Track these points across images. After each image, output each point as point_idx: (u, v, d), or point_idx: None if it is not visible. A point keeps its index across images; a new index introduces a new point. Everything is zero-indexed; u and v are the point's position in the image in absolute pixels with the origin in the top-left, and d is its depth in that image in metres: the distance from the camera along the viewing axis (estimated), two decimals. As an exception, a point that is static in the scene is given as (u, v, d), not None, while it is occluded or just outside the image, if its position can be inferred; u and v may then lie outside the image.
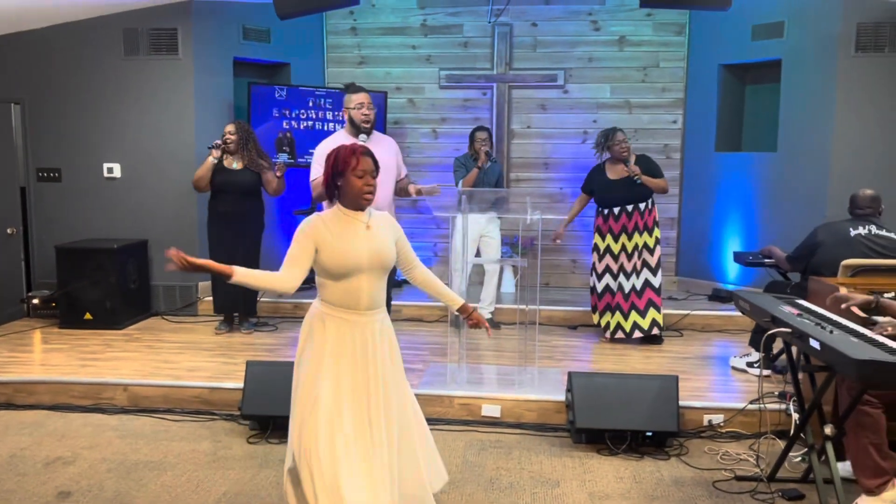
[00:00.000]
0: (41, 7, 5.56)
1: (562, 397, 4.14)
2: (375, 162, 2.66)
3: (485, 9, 6.76)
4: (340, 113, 6.50)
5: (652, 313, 5.22)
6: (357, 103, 4.22)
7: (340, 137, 4.35)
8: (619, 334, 5.26)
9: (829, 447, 3.09)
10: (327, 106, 6.44)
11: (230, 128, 5.39)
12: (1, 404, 4.39)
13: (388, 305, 4.64)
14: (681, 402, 3.86)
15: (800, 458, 3.57)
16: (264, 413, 3.92)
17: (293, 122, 6.36)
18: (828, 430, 3.12)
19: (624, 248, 5.22)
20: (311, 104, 6.39)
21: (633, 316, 5.21)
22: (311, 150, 6.42)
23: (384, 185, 4.35)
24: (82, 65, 6.05)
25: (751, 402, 4.05)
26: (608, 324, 5.30)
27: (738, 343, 5.39)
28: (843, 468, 3.25)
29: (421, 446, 2.80)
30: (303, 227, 2.63)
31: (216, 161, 5.32)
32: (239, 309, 5.60)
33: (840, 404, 3.34)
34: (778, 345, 3.97)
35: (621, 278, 5.23)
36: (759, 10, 6.05)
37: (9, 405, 4.38)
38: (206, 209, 5.57)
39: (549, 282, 6.89)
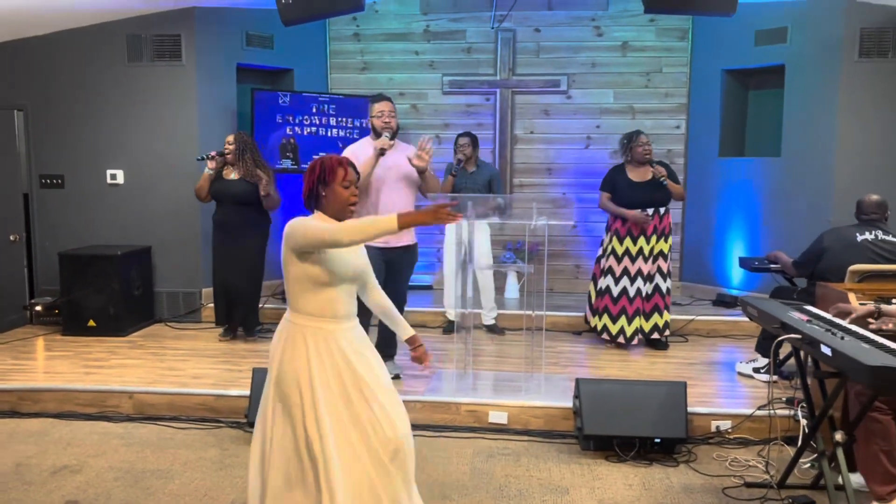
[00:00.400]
0: (44, 14, 5.55)
1: (568, 404, 4.12)
2: (358, 176, 2.66)
3: (488, 14, 6.77)
4: (345, 119, 6.51)
5: (659, 317, 5.21)
6: (378, 111, 4.29)
7: (365, 144, 4.37)
8: (621, 339, 5.24)
9: (840, 454, 3.08)
10: (331, 112, 6.43)
11: (229, 138, 5.40)
12: (6, 412, 4.37)
13: (402, 309, 4.65)
14: (688, 409, 3.86)
15: (809, 465, 3.56)
16: (271, 420, 3.90)
17: (297, 129, 6.35)
18: (838, 436, 3.10)
19: (641, 251, 5.17)
20: (314, 110, 6.39)
21: (640, 321, 5.20)
22: (314, 156, 6.42)
23: (405, 193, 4.35)
24: (85, 71, 6.05)
25: (759, 409, 4.04)
26: (622, 329, 5.26)
27: (743, 348, 5.38)
28: (855, 480, 3.24)
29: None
30: (307, 219, 2.58)
31: (212, 172, 5.32)
32: (239, 320, 5.55)
33: (850, 411, 3.33)
34: (786, 350, 3.98)
35: (638, 282, 5.19)
36: (761, 15, 6.05)
37: (14, 413, 4.36)
38: (209, 215, 5.57)
39: (552, 287, 6.89)
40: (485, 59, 6.90)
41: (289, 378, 2.55)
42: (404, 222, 2.45)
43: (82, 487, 3.41)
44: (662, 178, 5.09)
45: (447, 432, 4.08)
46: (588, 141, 6.89)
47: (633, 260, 5.20)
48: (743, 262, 5.31)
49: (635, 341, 5.26)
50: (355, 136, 6.48)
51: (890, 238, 4.19)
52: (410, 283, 4.75)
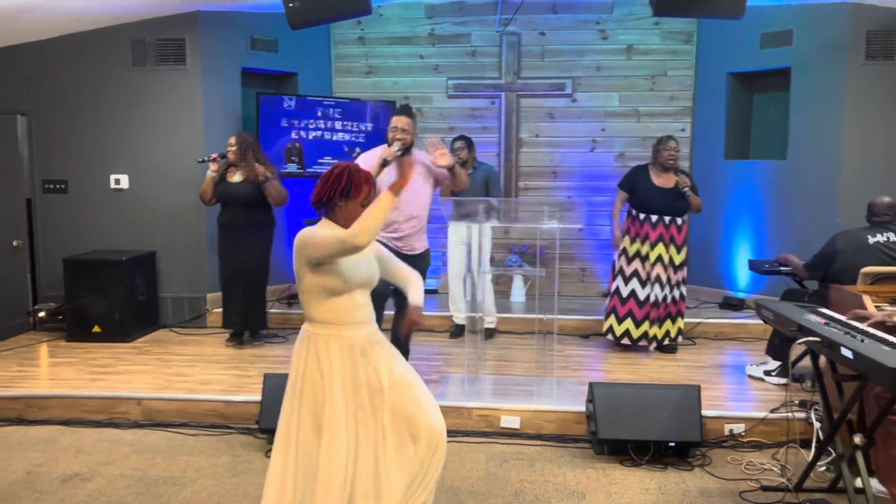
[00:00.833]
0: (48, 18, 5.53)
1: (581, 408, 4.10)
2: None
3: (493, 18, 6.77)
4: (350, 123, 6.49)
5: (668, 325, 5.20)
6: (392, 125, 4.19)
7: (378, 149, 4.29)
8: (626, 340, 5.22)
9: (860, 456, 3.06)
10: (336, 116, 6.41)
11: (231, 140, 5.37)
12: (12, 420, 4.33)
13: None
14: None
15: (825, 468, 3.54)
16: (283, 426, 3.86)
17: (302, 133, 6.33)
18: (857, 439, 3.09)
19: (660, 257, 5.12)
20: (319, 114, 6.36)
21: (647, 326, 5.18)
22: (319, 160, 6.41)
23: (420, 202, 4.31)
24: (89, 76, 6.02)
25: (772, 411, 4.02)
26: (626, 332, 5.24)
27: (751, 351, 5.37)
28: (874, 486, 3.21)
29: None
30: (316, 228, 2.58)
31: (214, 174, 5.29)
32: (244, 324, 5.52)
33: (867, 413, 3.32)
34: (795, 353, 3.96)
35: (641, 287, 5.16)
36: (767, 18, 6.06)
37: (21, 420, 4.32)
38: (213, 219, 5.55)
39: (559, 290, 6.85)
40: (490, 62, 6.89)
41: (309, 385, 2.57)
42: (397, 191, 2.49)
43: (94, 495, 3.37)
44: (685, 189, 5.06)
45: (459, 437, 4.06)
46: (593, 144, 6.89)
47: (653, 265, 5.14)
48: (753, 265, 5.30)
49: (644, 343, 5.23)
50: (360, 140, 6.47)
51: (902, 240, 4.19)
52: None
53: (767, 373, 4.67)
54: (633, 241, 5.19)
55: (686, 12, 5.09)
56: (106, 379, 4.70)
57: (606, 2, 6.75)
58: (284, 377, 4.03)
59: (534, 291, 6.60)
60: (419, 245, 4.35)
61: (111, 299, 5.61)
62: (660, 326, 5.20)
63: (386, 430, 2.62)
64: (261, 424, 3.91)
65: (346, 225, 2.58)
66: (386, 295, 4.37)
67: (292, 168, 6.32)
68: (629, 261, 5.20)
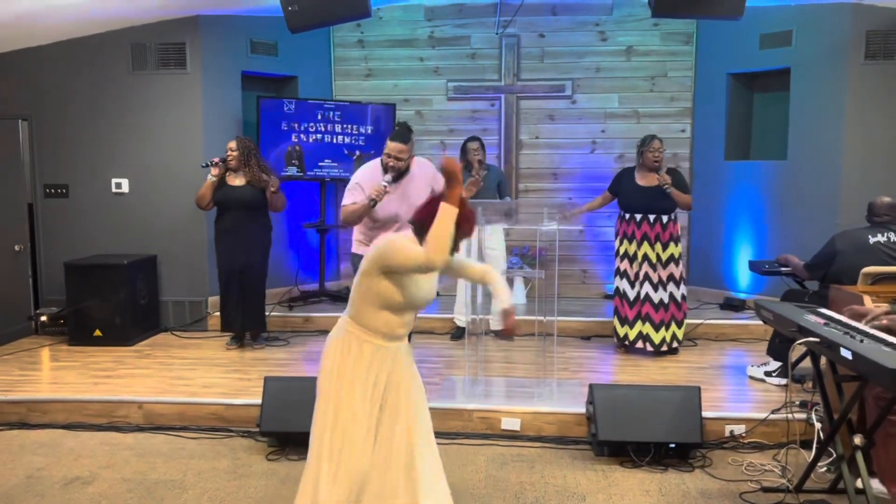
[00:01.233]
0: (49, 23, 5.55)
1: (581, 409, 4.10)
2: None
3: (492, 20, 6.77)
4: (350, 126, 6.50)
5: (672, 329, 5.18)
6: (387, 150, 4.11)
7: (375, 166, 4.22)
8: (648, 346, 5.21)
9: (860, 457, 3.06)
10: (336, 119, 6.43)
11: (232, 144, 5.35)
12: (14, 424, 4.34)
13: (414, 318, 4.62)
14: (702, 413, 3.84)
15: (825, 469, 3.54)
16: (283, 429, 3.88)
17: (302, 136, 6.34)
18: (857, 440, 3.09)
19: (647, 256, 5.13)
20: (319, 117, 6.38)
21: (645, 327, 5.17)
22: (320, 164, 6.43)
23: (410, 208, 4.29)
24: (90, 80, 6.04)
25: (772, 412, 4.02)
26: (626, 334, 5.25)
27: (752, 352, 5.36)
28: (875, 486, 3.21)
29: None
30: (403, 238, 2.57)
31: (215, 179, 5.29)
32: (244, 327, 5.53)
33: (867, 414, 3.32)
34: (796, 354, 3.96)
35: (637, 287, 5.17)
36: (766, 18, 6.06)
37: (23, 424, 4.33)
38: (213, 223, 5.54)
39: (560, 292, 6.84)
40: (489, 64, 6.90)
41: (337, 376, 2.61)
42: (455, 202, 2.41)
43: (95, 499, 3.38)
44: (665, 186, 5.06)
45: (459, 439, 4.06)
46: (593, 145, 6.89)
47: (631, 263, 5.17)
48: (753, 266, 5.30)
49: (640, 345, 5.23)
50: (360, 143, 6.48)
51: (902, 240, 4.18)
52: None
53: (768, 374, 4.67)
54: (622, 241, 5.22)
55: (685, 13, 5.10)
56: (107, 383, 4.71)
57: (606, 3, 6.76)
58: (286, 380, 4.10)
59: (534, 293, 6.60)
60: None
61: (112, 303, 5.62)
62: (656, 329, 5.17)
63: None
64: (261, 428, 3.92)
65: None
66: None
67: (292, 171, 6.33)
68: (622, 260, 5.24)
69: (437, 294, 6.81)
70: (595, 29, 6.79)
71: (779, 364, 4.60)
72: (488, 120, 6.95)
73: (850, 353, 2.74)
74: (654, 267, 5.13)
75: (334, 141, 6.45)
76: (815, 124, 5.86)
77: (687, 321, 5.71)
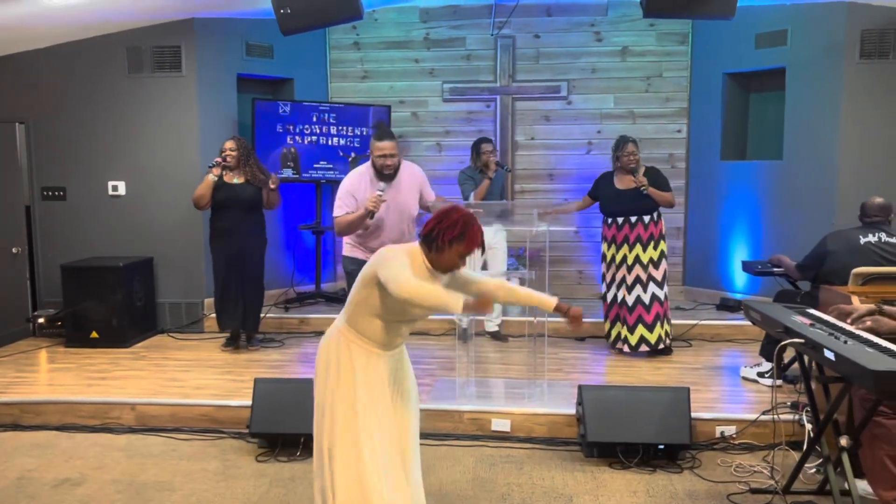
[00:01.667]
0: (45, 27, 5.58)
1: (572, 410, 4.10)
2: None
3: (487, 21, 6.78)
4: (345, 128, 6.51)
5: (658, 328, 5.17)
6: (378, 150, 4.14)
7: (364, 172, 4.22)
8: (625, 348, 5.22)
9: (845, 458, 3.05)
10: (331, 121, 6.44)
11: (230, 144, 5.37)
12: (8, 425, 4.36)
13: None
14: (692, 414, 3.83)
15: (815, 470, 3.53)
16: (273, 431, 3.89)
17: (297, 138, 6.36)
18: (843, 441, 3.08)
19: (625, 259, 5.16)
20: (314, 119, 6.39)
21: (640, 329, 5.17)
22: (315, 166, 6.44)
23: (406, 224, 4.31)
24: (86, 83, 6.07)
25: (763, 413, 4.01)
26: (618, 334, 5.26)
27: (747, 353, 5.35)
28: (862, 488, 3.20)
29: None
30: (403, 255, 2.56)
31: (216, 178, 5.31)
32: (242, 326, 5.55)
33: (854, 415, 3.31)
34: (789, 354, 3.95)
35: (623, 290, 5.18)
36: (762, 18, 6.04)
37: (16, 426, 4.35)
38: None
39: (555, 293, 6.82)
40: (485, 66, 6.90)
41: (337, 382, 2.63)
42: (466, 308, 2.39)
43: (84, 500, 3.39)
44: (643, 188, 5.06)
45: (449, 440, 4.07)
46: (589, 146, 6.89)
47: (618, 267, 5.20)
48: (746, 266, 5.29)
49: (621, 346, 5.23)
50: (356, 145, 6.50)
51: (893, 240, 4.17)
52: None
53: (761, 374, 4.66)
54: (609, 245, 5.25)
55: (676, 13, 5.10)
56: (101, 384, 4.74)
57: (601, 4, 6.75)
58: (276, 382, 4.11)
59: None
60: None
61: (109, 305, 5.65)
62: (651, 330, 5.16)
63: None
64: (251, 429, 3.93)
65: (435, 264, 2.60)
66: None
67: (288, 173, 6.35)
68: (608, 266, 5.28)
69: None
70: (590, 29, 6.79)
71: (771, 365, 4.58)
72: (484, 121, 6.95)
73: (832, 354, 2.73)
74: (644, 268, 5.14)
75: (330, 143, 6.47)
76: (811, 124, 5.84)
77: (683, 321, 5.72)
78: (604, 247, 5.32)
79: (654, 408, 3.80)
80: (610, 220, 5.24)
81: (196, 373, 4.97)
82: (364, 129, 6.54)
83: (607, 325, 5.37)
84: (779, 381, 4.49)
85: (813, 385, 3.39)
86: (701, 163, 6.68)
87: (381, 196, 4.06)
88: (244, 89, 6.41)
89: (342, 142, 6.49)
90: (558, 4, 6.78)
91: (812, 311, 3.49)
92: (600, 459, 3.80)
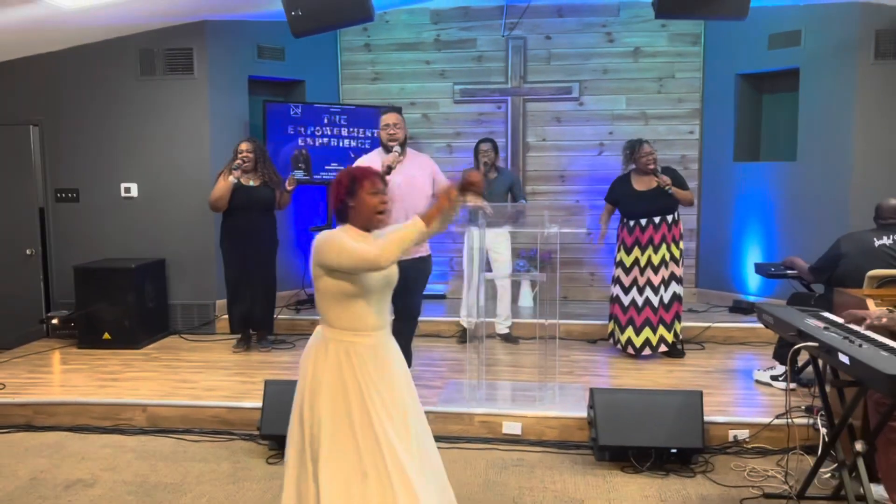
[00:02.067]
0: (57, 30, 5.61)
1: (583, 413, 4.08)
2: (385, 183, 2.64)
3: (498, 23, 6.77)
4: (356, 129, 6.52)
5: (676, 326, 5.17)
6: (384, 124, 4.27)
7: (375, 156, 4.32)
8: (647, 350, 5.18)
9: (861, 463, 3.01)
10: (342, 122, 6.44)
11: (246, 145, 5.38)
12: (21, 426, 4.39)
13: (415, 323, 4.62)
14: (705, 418, 3.80)
15: (829, 475, 3.49)
16: (284, 433, 3.83)
17: (308, 140, 6.37)
18: (858, 446, 3.04)
19: (650, 261, 5.11)
20: (326, 121, 6.40)
21: (661, 330, 5.14)
22: (326, 167, 6.45)
23: (416, 202, 4.30)
24: (99, 86, 6.10)
25: (777, 417, 3.97)
26: (629, 339, 5.21)
27: (760, 356, 5.31)
28: (877, 492, 3.17)
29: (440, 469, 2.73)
30: (338, 233, 2.54)
31: (236, 181, 5.32)
32: (254, 326, 5.57)
33: (869, 419, 3.27)
34: (803, 357, 3.91)
35: (648, 292, 5.13)
36: (775, 19, 6.00)
37: (29, 427, 4.38)
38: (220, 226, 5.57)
39: (567, 295, 6.83)
40: (496, 67, 6.89)
41: (319, 389, 2.54)
42: (429, 218, 2.46)
43: (96, 502, 3.41)
44: (667, 188, 5.03)
45: (460, 443, 4.05)
46: (601, 148, 6.86)
47: (642, 271, 5.14)
48: (759, 269, 5.24)
49: (646, 352, 5.19)
50: (367, 147, 6.49)
51: (909, 243, 4.12)
52: (423, 293, 4.69)
53: (775, 378, 4.62)
54: (630, 250, 5.17)
55: (688, 13, 5.06)
56: (113, 385, 4.75)
57: (612, 4, 6.73)
58: (286, 383, 4.10)
59: (541, 297, 6.58)
60: (420, 250, 4.34)
61: (121, 306, 5.67)
62: (669, 329, 5.15)
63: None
64: (262, 431, 3.93)
65: (364, 221, 2.58)
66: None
67: (299, 175, 6.33)
68: (627, 271, 5.20)
69: (444, 297, 6.92)
70: (602, 30, 6.76)
71: (785, 368, 4.54)
72: (495, 123, 6.93)
73: (847, 358, 2.70)
74: (666, 265, 5.11)
75: (341, 144, 6.47)
76: (825, 125, 5.79)
77: (696, 324, 5.68)
78: (621, 252, 5.24)
79: (666, 411, 3.77)
80: (632, 223, 5.16)
81: (207, 374, 4.98)
82: (375, 130, 6.53)
83: (611, 326, 5.33)
84: (792, 385, 4.45)
85: (827, 389, 3.36)
86: (714, 164, 6.64)
87: (398, 154, 4.09)
88: (255, 91, 6.43)
89: (353, 143, 6.50)
90: (570, 5, 6.76)
91: (826, 314, 3.46)
92: (612, 463, 3.78)
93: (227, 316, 5.84)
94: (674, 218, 5.14)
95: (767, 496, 3.39)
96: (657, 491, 3.48)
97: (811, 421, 3.89)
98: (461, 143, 6.94)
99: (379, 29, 6.85)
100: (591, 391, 3.93)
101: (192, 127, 6.07)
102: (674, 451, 3.72)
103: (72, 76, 6.11)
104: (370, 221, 2.59)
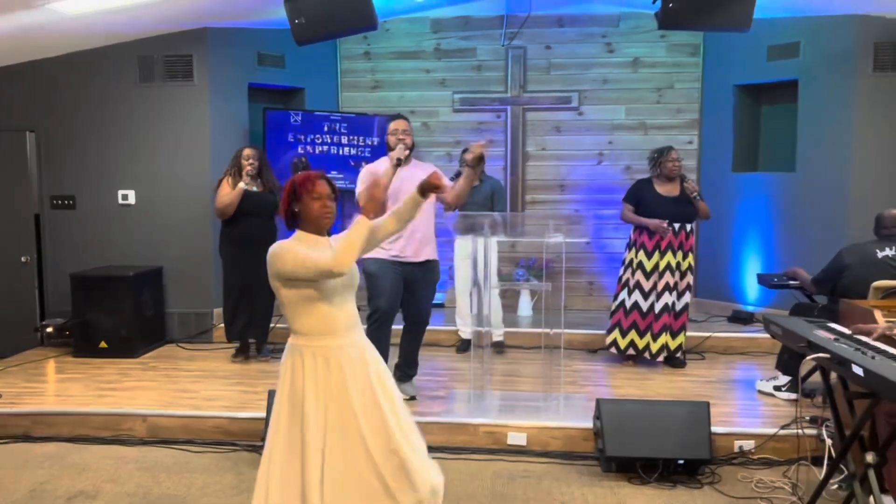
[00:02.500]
0: (56, 35, 5.57)
1: (588, 424, 4.06)
2: (333, 188, 2.64)
3: (498, 32, 6.78)
4: (356, 137, 6.50)
5: (681, 337, 5.18)
6: (392, 129, 4.29)
7: (382, 162, 4.33)
8: (646, 355, 5.18)
9: (872, 475, 3.01)
10: (342, 130, 6.43)
11: (251, 152, 5.34)
12: (19, 436, 4.32)
13: (423, 331, 4.59)
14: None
15: (836, 486, 3.49)
16: (288, 444, 3.84)
17: (308, 147, 6.34)
18: (869, 457, 3.04)
19: (656, 266, 5.10)
20: (326, 129, 6.38)
21: (664, 337, 5.14)
22: (326, 175, 6.42)
23: (422, 208, 4.27)
24: (97, 92, 6.05)
25: (782, 427, 3.97)
26: (630, 342, 5.21)
27: (760, 365, 5.31)
28: (888, 502, 3.16)
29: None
30: (289, 244, 2.54)
31: (245, 187, 5.28)
32: (254, 335, 5.53)
33: (879, 430, 3.27)
34: (805, 368, 3.92)
35: (653, 297, 5.13)
36: (774, 30, 6.03)
37: (27, 437, 4.31)
38: (218, 234, 5.51)
39: (566, 304, 6.79)
40: (495, 76, 6.90)
41: (294, 398, 2.55)
42: (368, 211, 2.53)
43: (98, 514, 3.36)
44: (695, 195, 5.06)
45: (465, 454, 4.02)
46: (600, 157, 6.87)
47: (648, 275, 5.15)
48: (761, 279, 5.26)
49: (660, 358, 5.19)
50: (367, 155, 6.48)
51: (912, 254, 4.14)
52: (432, 300, 4.64)
53: (777, 388, 4.62)
54: (644, 252, 5.16)
55: (692, 25, 5.09)
56: (112, 395, 4.70)
57: (612, 15, 6.75)
58: (289, 394, 4.05)
59: (541, 305, 6.56)
60: (425, 251, 4.33)
61: (118, 315, 5.61)
62: (674, 338, 5.16)
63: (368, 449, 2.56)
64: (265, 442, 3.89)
65: (313, 227, 2.59)
66: (395, 308, 4.35)
67: (299, 183, 6.32)
68: (634, 272, 5.19)
69: (443, 306, 6.89)
70: (602, 41, 6.79)
71: (788, 378, 4.55)
72: (494, 132, 6.93)
73: (861, 369, 2.70)
74: (673, 274, 5.12)
75: (340, 152, 6.46)
76: (824, 136, 5.82)
77: (696, 334, 5.68)
78: (631, 252, 5.22)
79: (673, 422, 3.76)
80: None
81: (207, 384, 4.93)
82: (375, 139, 6.53)
83: (615, 335, 5.28)
84: (796, 396, 4.46)
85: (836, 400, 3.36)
86: (712, 174, 6.66)
87: (403, 148, 4.15)
88: (255, 99, 6.40)
89: (353, 151, 6.48)
90: (570, 15, 6.79)
91: (834, 325, 3.46)
92: (619, 474, 3.76)
93: (224, 324, 5.79)
94: (692, 227, 5.16)
95: (776, 508, 3.38)
96: (665, 502, 3.47)
97: (816, 432, 3.88)
98: (460, 152, 6.92)
99: (379, 37, 6.85)
100: (598, 402, 3.91)
101: (192, 134, 6.03)
102: (681, 462, 3.71)
103: (69, 82, 6.06)
104: (318, 226, 2.60)
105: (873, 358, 2.79)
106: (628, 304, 5.20)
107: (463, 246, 5.56)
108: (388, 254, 4.22)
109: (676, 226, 5.11)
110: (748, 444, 3.96)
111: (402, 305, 4.41)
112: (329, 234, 2.69)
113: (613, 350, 5.31)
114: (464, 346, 5.73)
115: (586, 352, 5.75)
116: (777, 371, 4.69)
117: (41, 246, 6.22)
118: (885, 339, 3.05)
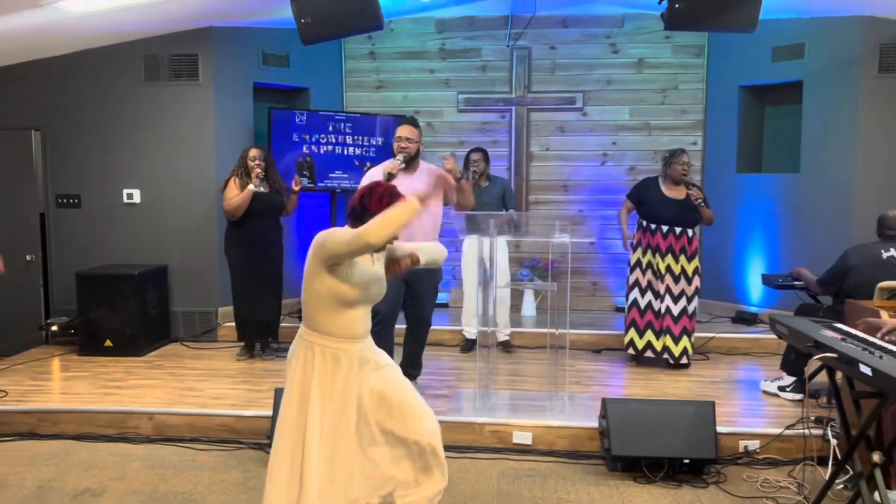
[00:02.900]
0: (61, 34, 5.58)
1: (593, 423, 4.07)
2: None
3: (503, 32, 6.79)
4: (361, 137, 6.51)
5: (684, 342, 5.15)
6: (397, 136, 4.26)
7: (386, 164, 4.30)
8: (649, 353, 5.18)
9: (878, 474, 3.01)
10: (347, 130, 6.43)
11: (257, 152, 5.34)
12: (25, 434, 4.33)
13: (426, 334, 4.60)
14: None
15: (842, 486, 3.49)
16: (294, 442, 3.84)
17: (313, 147, 6.35)
18: (876, 457, 3.04)
19: (669, 268, 5.10)
20: (330, 129, 6.38)
21: (666, 339, 5.14)
22: (330, 175, 6.44)
23: (427, 215, 4.28)
24: (103, 91, 6.06)
25: (787, 427, 3.97)
26: (648, 343, 5.21)
27: (764, 366, 5.32)
28: (894, 501, 3.16)
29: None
30: (334, 229, 2.61)
31: (255, 188, 5.29)
32: (263, 333, 5.54)
33: (885, 430, 3.28)
34: (810, 368, 3.92)
35: (655, 298, 5.14)
36: (779, 31, 6.04)
37: (33, 435, 4.32)
38: (223, 233, 5.53)
39: (571, 304, 6.81)
40: (500, 76, 6.91)
41: (305, 392, 2.62)
42: (423, 197, 2.54)
43: (105, 511, 3.37)
44: (699, 201, 5.05)
45: (470, 453, 4.03)
46: (604, 158, 6.88)
47: (655, 275, 5.14)
48: (766, 280, 5.26)
49: (666, 356, 5.19)
50: (371, 155, 6.48)
51: (916, 254, 4.15)
52: (435, 301, 4.64)
53: (782, 388, 4.62)
54: (644, 252, 5.17)
55: (698, 26, 5.10)
56: (118, 393, 4.71)
57: (617, 16, 6.76)
58: (296, 392, 4.06)
59: (545, 305, 6.58)
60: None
61: (123, 313, 5.63)
62: (677, 343, 5.15)
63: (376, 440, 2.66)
64: (272, 440, 3.89)
65: None
66: (397, 310, 4.36)
67: (304, 182, 6.33)
68: (643, 272, 5.18)
69: (447, 305, 6.90)
70: (606, 41, 6.79)
71: (793, 379, 4.56)
72: (499, 132, 6.95)
73: (869, 369, 2.70)
74: (676, 279, 5.11)
75: (345, 152, 6.46)
76: (828, 137, 5.83)
77: (699, 334, 5.68)
78: (637, 253, 5.22)
79: (679, 421, 3.76)
80: (654, 227, 5.14)
81: (212, 382, 4.94)
82: (379, 139, 6.53)
83: (632, 335, 5.24)
84: (799, 396, 4.46)
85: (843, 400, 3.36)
86: (716, 175, 6.67)
87: (398, 162, 4.13)
88: (260, 98, 6.41)
89: (358, 151, 6.48)
90: (574, 16, 6.79)
91: (840, 325, 3.46)
92: (625, 474, 3.76)
93: (230, 323, 5.81)
94: (694, 232, 5.16)
95: (782, 507, 3.39)
96: (671, 501, 3.48)
97: (822, 432, 3.89)
98: (465, 152, 6.90)
99: (384, 37, 6.85)
100: (604, 401, 3.92)
101: (197, 133, 6.04)
102: (686, 461, 3.71)
103: (75, 81, 6.07)
104: None
105: (881, 358, 2.79)
106: (641, 303, 5.19)
107: (472, 246, 5.57)
108: None
109: (678, 230, 5.11)
110: (753, 444, 3.97)
111: (404, 307, 4.41)
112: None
113: (631, 350, 5.29)
114: (468, 345, 5.74)
115: (591, 352, 5.76)
116: (782, 371, 4.70)
117: (46, 244, 6.23)
118: (891, 336, 3.05)
